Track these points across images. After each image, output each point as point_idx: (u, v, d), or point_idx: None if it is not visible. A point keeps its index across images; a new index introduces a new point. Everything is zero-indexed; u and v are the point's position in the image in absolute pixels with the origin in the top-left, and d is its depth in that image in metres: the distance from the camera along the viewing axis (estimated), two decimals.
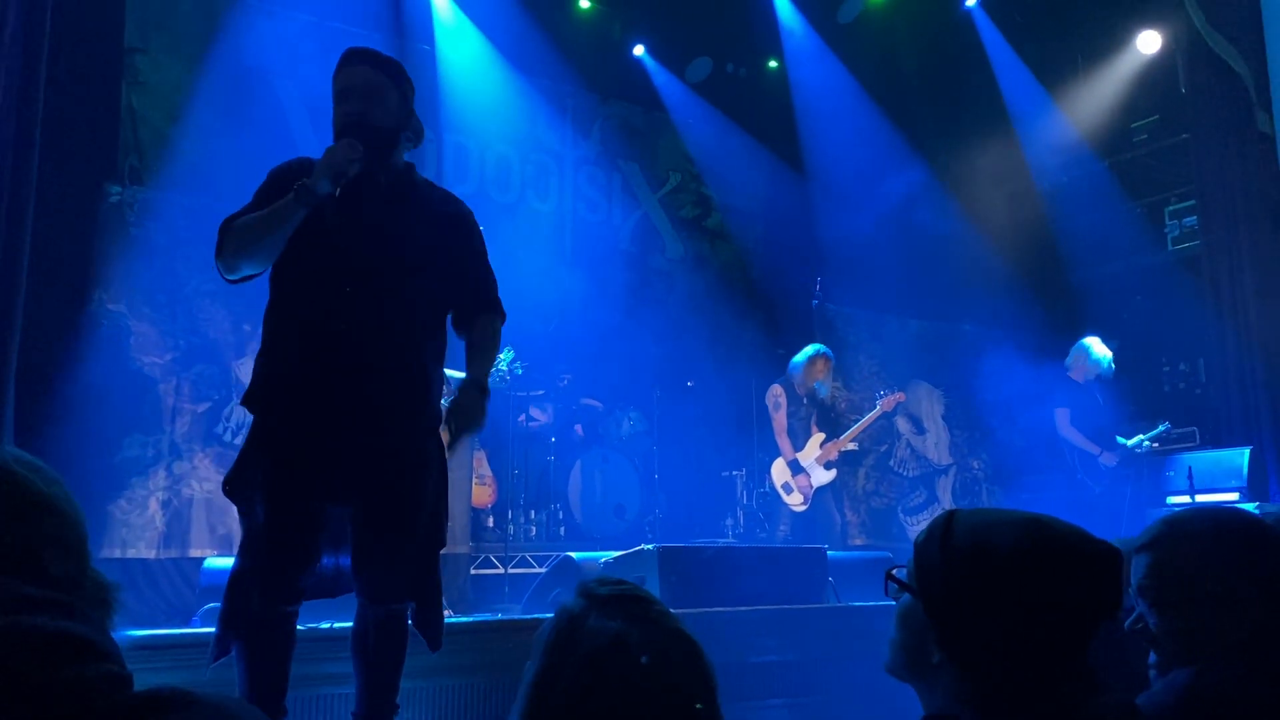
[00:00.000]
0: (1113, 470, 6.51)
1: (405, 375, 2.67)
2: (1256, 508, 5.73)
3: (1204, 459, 6.45)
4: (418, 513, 2.68)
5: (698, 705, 1.13)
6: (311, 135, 6.48)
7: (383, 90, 2.70)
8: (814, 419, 6.63)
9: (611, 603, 1.19)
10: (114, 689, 0.76)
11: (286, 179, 2.65)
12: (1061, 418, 6.64)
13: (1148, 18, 8.00)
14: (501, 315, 2.90)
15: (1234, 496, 6.00)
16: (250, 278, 2.69)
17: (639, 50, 8.46)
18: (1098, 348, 6.71)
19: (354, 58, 2.73)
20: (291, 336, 2.61)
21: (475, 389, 2.69)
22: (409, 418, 2.68)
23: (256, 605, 2.53)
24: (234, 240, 2.59)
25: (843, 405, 8.06)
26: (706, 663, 1.18)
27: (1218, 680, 1.38)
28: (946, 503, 8.84)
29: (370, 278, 2.63)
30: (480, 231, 2.93)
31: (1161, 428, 6.67)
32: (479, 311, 2.87)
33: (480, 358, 2.80)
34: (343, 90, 2.70)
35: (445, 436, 2.79)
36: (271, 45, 6.44)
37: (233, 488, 2.60)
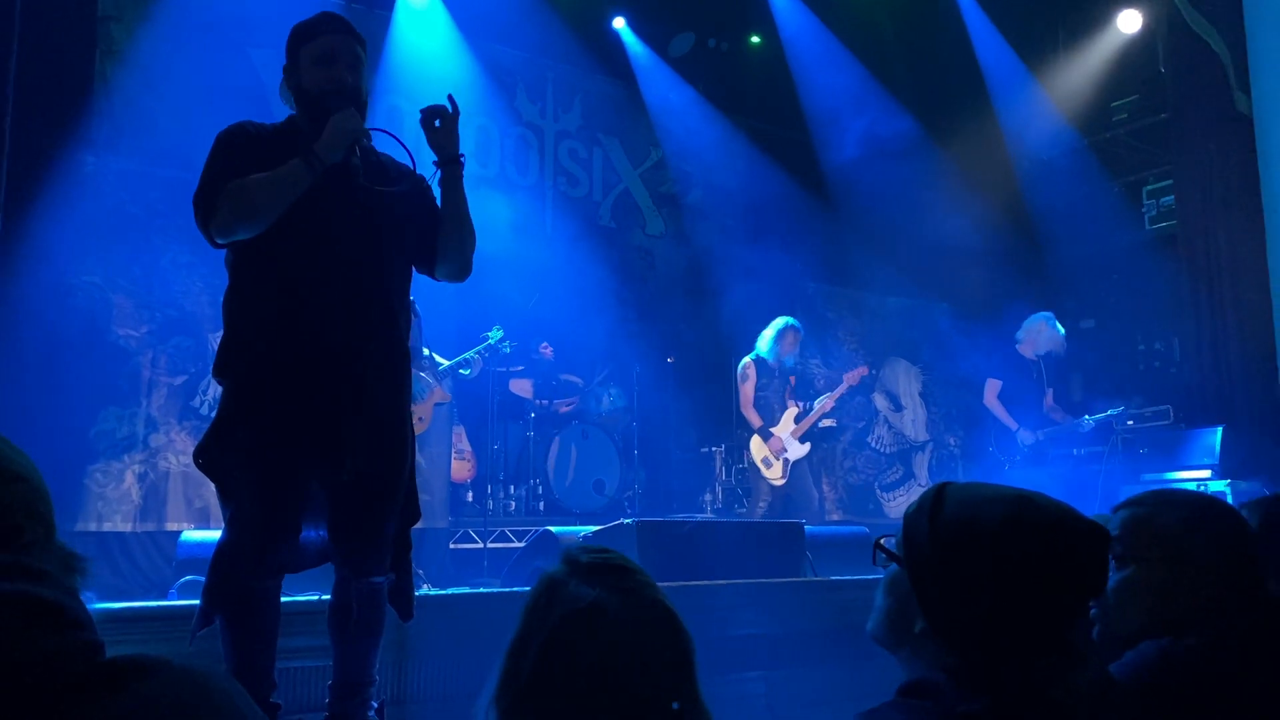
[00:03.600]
0: (1027, 449, 6.48)
1: (386, 347, 2.67)
2: (1228, 485, 5.81)
3: (1177, 437, 6.51)
4: (400, 484, 2.68)
5: (674, 705, 1.12)
6: (297, 104, 6.40)
7: (360, 60, 2.72)
8: (788, 392, 6.66)
9: (592, 570, 1.19)
10: (86, 656, 0.76)
11: (258, 143, 2.65)
12: (991, 388, 6.61)
13: None
14: None
15: (1206, 474, 6.06)
16: (240, 242, 2.64)
17: (619, 23, 8.41)
18: (1052, 326, 6.65)
19: (336, 24, 2.73)
20: (270, 308, 2.58)
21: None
22: (391, 390, 2.68)
23: (243, 579, 2.52)
24: (234, 203, 2.53)
25: (820, 382, 8.09)
26: (684, 635, 1.18)
27: (1188, 649, 1.40)
28: (923, 479, 8.91)
29: (348, 249, 2.62)
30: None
31: (1113, 411, 6.59)
32: None
33: None
34: (328, 55, 2.68)
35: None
36: (245, 14, 6.35)
37: (208, 460, 2.57)
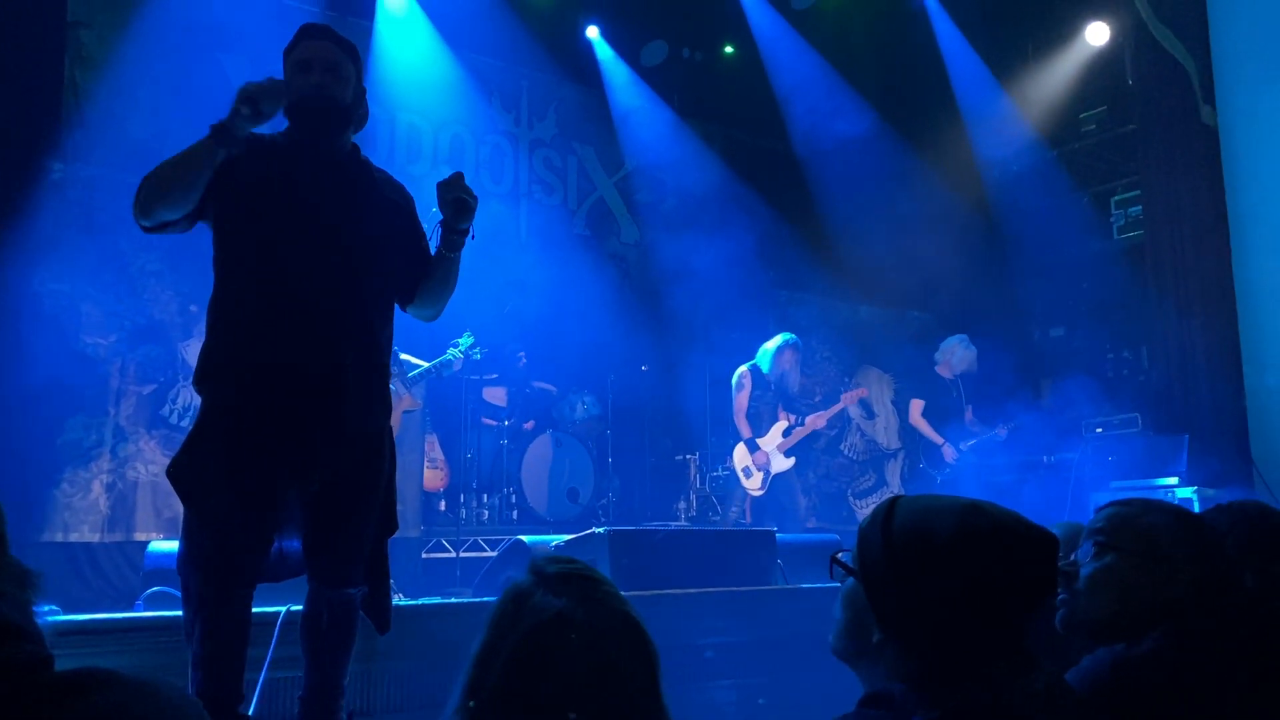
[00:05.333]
0: (953, 464, 6.85)
1: (363, 358, 2.67)
2: (1195, 492, 5.88)
3: (1145, 444, 6.57)
4: (374, 497, 2.67)
5: (634, 684, 1.12)
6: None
7: (343, 67, 2.72)
8: (779, 405, 6.70)
9: (559, 581, 1.18)
10: (35, 669, 0.76)
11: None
12: (915, 407, 7.06)
13: (1097, 10, 8.12)
14: None
15: (1173, 481, 6.12)
16: (167, 226, 2.61)
17: (593, 32, 8.43)
18: (966, 347, 7.02)
19: (316, 32, 2.75)
20: (249, 317, 2.58)
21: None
22: (367, 400, 2.67)
23: (214, 589, 2.49)
24: (149, 184, 2.54)
25: (793, 389, 8.13)
26: (649, 645, 1.17)
27: (1142, 656, 1.43)
28: (895, 486, 8.96)
29: (326, 258, 2.62)
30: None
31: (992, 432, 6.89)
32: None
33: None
34: (303, 61, 2.69)
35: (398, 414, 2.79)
36: (218, 20, 6.32)
37: (179, 472, 2.54)
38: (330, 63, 2.69)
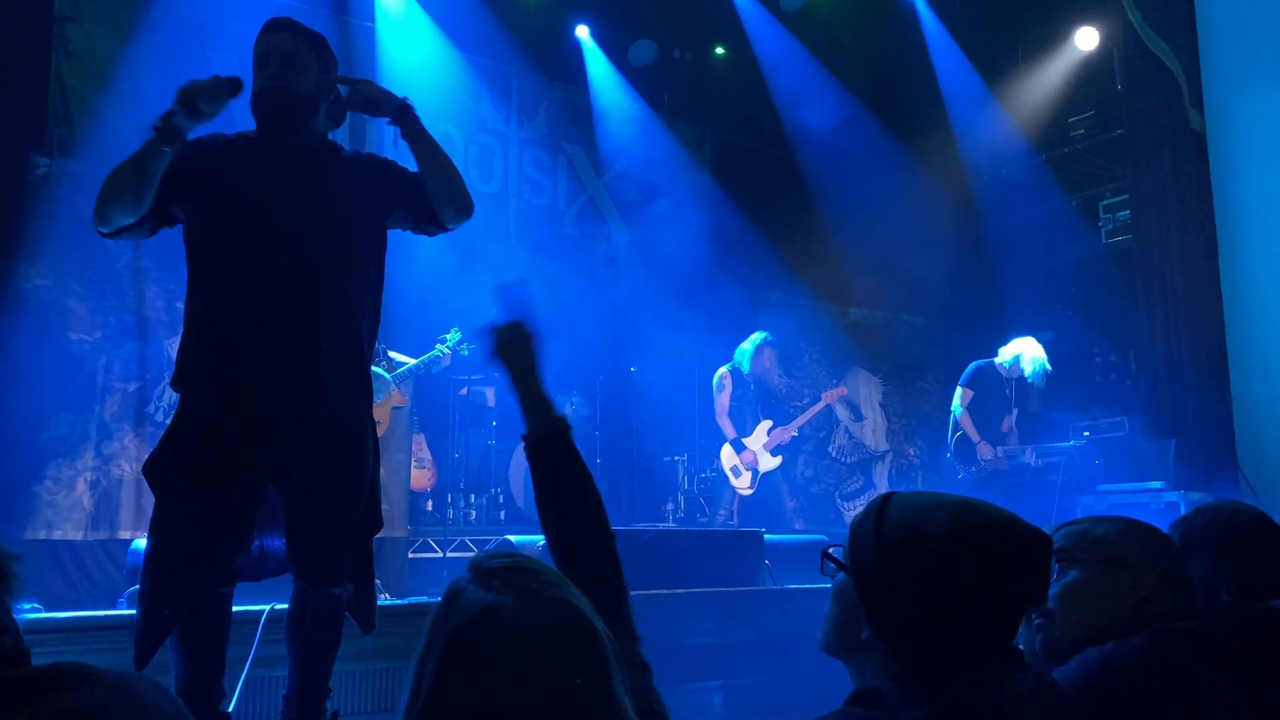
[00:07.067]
0: (984, 463, 6.58)
1: (341, 346, 2.63)
2: (1181, 496, 5.90)
3: (1132, 448, 6.59)
4: (358, 495, 2.64)
5: (577, 680, 1.04)
6: (251, 112, 6.35)
7: (301, 58, 2.69)
8: (759, 405, 6.71)
9: (492, 574, 1.11)
10: (10, 663, 0.74)
11: (203, 149, 2.65)
12: (963, 397, 6.68)
13: (1086, 15, 8.16)
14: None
15: (1159, 485, 6.14)
16: (125, 231, 2.59)
17: (583, 32, 8.41)
18: (1033, 365, 6.65)
19: (274, 25, 2.73)
20: (223, 312, 2.55)
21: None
22: (345, 391, 2.63)
23: (192, 588, 2.46)
24: (103, 189, 2.53)
25: (783, 391, 8.13)
26: (597, 636, 1.09)
27: (1129, 654, 1.43)
28: (883, 488, 8.96)
29: (297, 249, 2.59)
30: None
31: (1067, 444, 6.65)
32: None
33: None
34: (261, 55, 2.69)
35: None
36: (208, 18, 6.29)
37: (155, 469, 2.51)
38: (286, 54, 2.67)
